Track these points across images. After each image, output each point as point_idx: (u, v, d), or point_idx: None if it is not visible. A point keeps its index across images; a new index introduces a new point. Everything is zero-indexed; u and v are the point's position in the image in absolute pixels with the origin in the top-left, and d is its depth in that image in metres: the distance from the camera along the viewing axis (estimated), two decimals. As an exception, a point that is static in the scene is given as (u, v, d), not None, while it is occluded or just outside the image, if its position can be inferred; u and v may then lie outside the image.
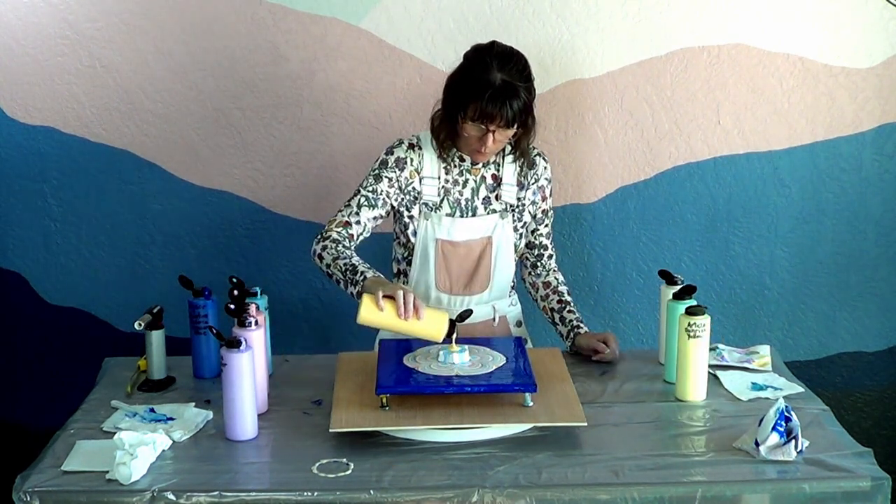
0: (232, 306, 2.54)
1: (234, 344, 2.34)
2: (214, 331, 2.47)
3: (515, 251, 2.92)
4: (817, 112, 3.46)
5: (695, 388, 2.56)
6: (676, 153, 3.48)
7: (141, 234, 3.51)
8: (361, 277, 2.58)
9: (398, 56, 3.38)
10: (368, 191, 2.80)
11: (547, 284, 3.01)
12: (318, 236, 2.73)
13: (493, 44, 2.75)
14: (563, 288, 3.02)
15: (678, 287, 2.73)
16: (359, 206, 2.78)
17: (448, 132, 2.78)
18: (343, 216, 2.77)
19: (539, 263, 3.01)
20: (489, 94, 2.63)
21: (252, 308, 2.55)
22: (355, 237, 2.76)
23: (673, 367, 2.65)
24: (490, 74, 2.65)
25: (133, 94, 3.40)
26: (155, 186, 3.47)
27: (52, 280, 3.54)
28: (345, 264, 2.63)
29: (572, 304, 2.99)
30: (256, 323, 2.50)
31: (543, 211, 2.96)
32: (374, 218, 2.80)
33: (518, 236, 2.91)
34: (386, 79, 3.40)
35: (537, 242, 2.98)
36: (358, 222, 2.77)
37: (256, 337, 2.48)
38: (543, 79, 3.39)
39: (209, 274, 3.36)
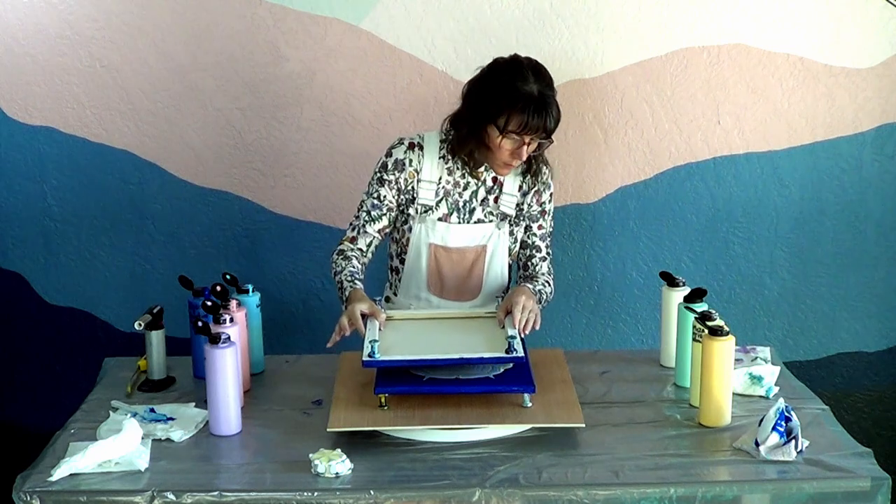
0: (209, 303, 2.57)
1: (214, 339, 2.40)
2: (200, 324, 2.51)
3: (509, 254, 2.91)
4: (817, 112, 3.46)
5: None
6: (676, 153, 3.48)
7: (141, 234, 3.51)
8: (345, 297, 2.69)
9: (398, 56, 3.38)
10: (374, 198, 2.83)
11: (533, 278, 2.86)
12: (334, 249, 2.84)
13: (517, 56, 2.73)
14: (542, 278, 2.85)
15: (680, 288, 2.73)
16: (364, 222, 2.84)
17: (477, 145, 2.74)
18: (352, 231, 2.85)
19: (529, 263, 2.90)
20: (533, 105, 2.62)
21: (233, 304, 2.60)
22: (365, 250, 2.84)
23: (686, 371, 2.64)
24: (528, 85, 2.64)
25: (133, 94, 3.40)
26: (155, 186, 3.47)
27: (52, 280, 3.54)
28: (338, 282, 2.75)
29: (538, 283, 2.81)
30: (232, 320, 2.52)
31: (540, 207, 2.89)
32: (380, 230, 2.85)
33: (513, 240, 2.90)
34: (386, 79, 3.40)
35: (530, 242, 2.91)
36: (366, 233, 2.84)
37: (230, 333, 2.47)
38: (543, 79, 3.40)
39: (209, 274, 3.35)
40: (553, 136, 2.71)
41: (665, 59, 3.41)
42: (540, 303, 2.77)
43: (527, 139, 2.66)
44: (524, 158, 2.71)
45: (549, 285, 2.87)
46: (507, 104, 2.64)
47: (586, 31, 3.37)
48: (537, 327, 2.64)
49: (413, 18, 3.35)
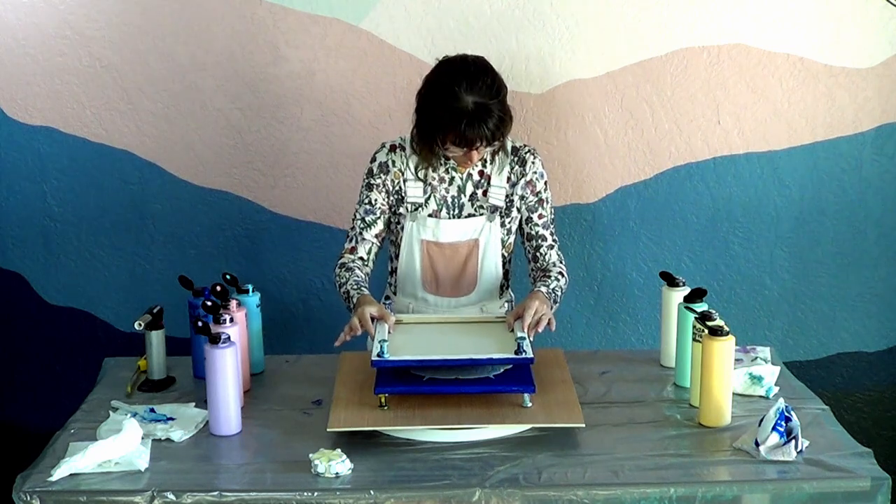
0: (209, 303, 2.57)
1: (214, 339, 2.41)
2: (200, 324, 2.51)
3: (503, 246, 2.90)
4: (817, 112, 3.46)
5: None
6: (676, 153, 3.48)
7: (141, 234, 3.51)
8: (353, 304, 2.70)
9: (398, 56, 3.38)
10: (366, 204, 2.86)
11: (544, 271, 2.88)
12: (336, 262, 2.86)
13: (457, 62, 2.72)
14: (554, 270, 2.85)
15: (681, 288, 2.73)
16: (361, 229, 2.86)
17: (430, 150, 2.77)
18: (349, 242, 2.88)
19: (538, 254, 2.89)
20: (465, 121, 2.62)
21: (233, 304, 2.60)
22: (366, 258, 2.86)
23: (686, 371, 2.64)
24: (461, 101, 2.63)
25: (133, 94, 3.40)
26: (155, 186, 3.47)
27: (52, 280, 3.54)
28: (344, 292, 2.76)
29: (551, 279, 2.81)
30: (232, 320, 2.52)
31: (536, 197, 2.87)
32: (377, 235, 2.87)
33: (506, 231, 2.89)
34: (386, 79, 3.40)
35: (534, 233, 2.90)
36: (364, 240, 2.86)
37: (230, 333, 2.48)
38: (543, 79, 3.40)
39: (209, 274, 3.35)
40: (501, 137, 2.70)
41: (665, 59, 3.41)
42: (556, 302, 2.78)
43: (471, 148, 2.68)
44: (476, 161, 2.75)
45: (563, 276, 2.86)
46: (440, 123, 2.66)
47: (586, 31, 3.37)
48: (552, 328, 2.64)
49: (413, 18, 3.35)
